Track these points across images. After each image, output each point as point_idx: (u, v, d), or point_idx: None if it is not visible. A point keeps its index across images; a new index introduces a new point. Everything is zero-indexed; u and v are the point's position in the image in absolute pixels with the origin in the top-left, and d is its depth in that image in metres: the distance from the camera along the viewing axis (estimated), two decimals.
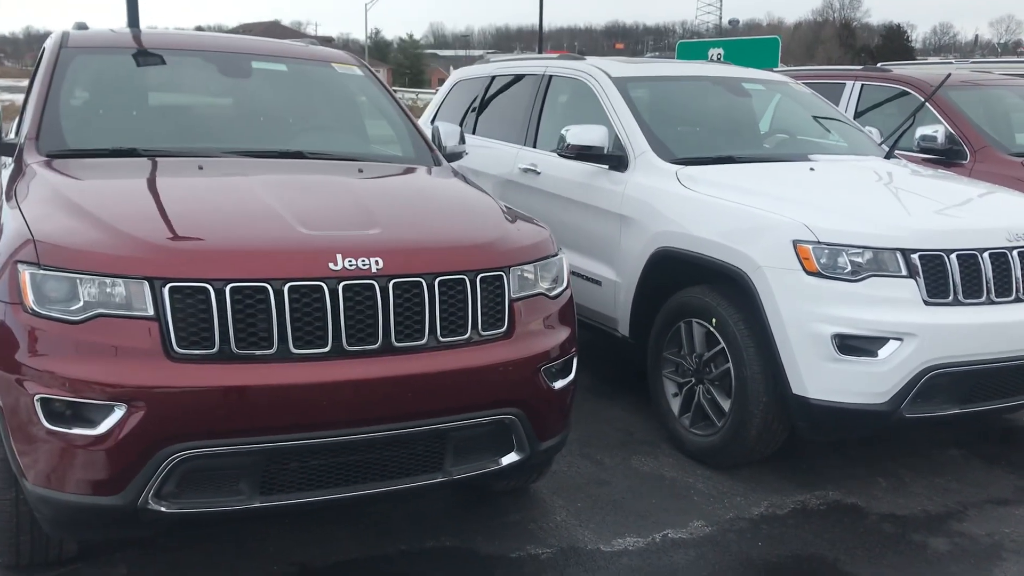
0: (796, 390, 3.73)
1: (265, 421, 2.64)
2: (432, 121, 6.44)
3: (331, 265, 2.74)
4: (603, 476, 4.06)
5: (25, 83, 4.05)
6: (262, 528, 3.43)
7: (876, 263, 3.68)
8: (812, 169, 4.68)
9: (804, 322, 3.68)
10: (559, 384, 3.22)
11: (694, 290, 4.24)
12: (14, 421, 2.62)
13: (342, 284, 2.74)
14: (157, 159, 3.58)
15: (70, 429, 2.56)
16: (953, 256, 3.73)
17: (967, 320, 3.69)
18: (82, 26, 4.50)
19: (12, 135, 3.81)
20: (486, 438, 3.06)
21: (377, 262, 2.80)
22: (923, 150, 6.07)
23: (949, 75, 6.28)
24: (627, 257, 4.63)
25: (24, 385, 2.56)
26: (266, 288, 2.66)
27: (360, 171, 3.80)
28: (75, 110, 3.93)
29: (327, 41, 17.94)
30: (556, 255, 3.38)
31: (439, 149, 4.38)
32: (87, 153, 3.58)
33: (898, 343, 3.60)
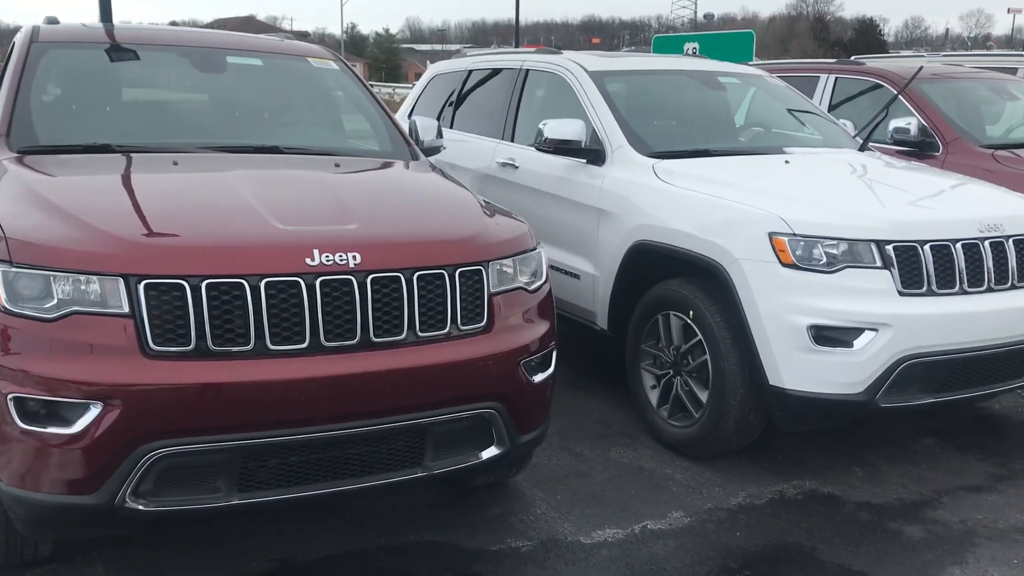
0: (773, 381, 3.76)
1: (243, 418, 2.62)
2: (409, 115, 6.42)
3: (308, 261, 2.73)
4: (583, 468, 4.08)
5: None
6: (241, 525, 3.41)
7: (851, 254, 3.71)
8: (787, 162, 4.71)
9: (780, 313, 3.71)
10: (539, 378, 3.22)
11: (672, 283, 4.26)
12: None
13: (319, 280, 2.73)
14: (131, 155, 3.54)
15: (45, 428, 2.53)
16: (927, 247, 3.77)
17: (941, 310, 3.73)
18: (53, 21, 4.45)
19: None
20: (466, 432, 3.06)
21: (355, 257, 2.79)
22: (896, 142, 6.13)
23: (921, 68, 6.34)
24: (605, 251, 4.64)
25: None
26: (242, 284, 2.64)
27: (337, 166, 3.79)
28: (47, 106, 3.89)
29: (303, 36, 17.82)
30: (535, 249, 3.38)
31: (416, 143, 4.37)
32: (60, 149, 3.54)
33: (873, 333, 3.64)
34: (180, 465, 2.62)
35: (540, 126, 4.84)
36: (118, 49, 4.21)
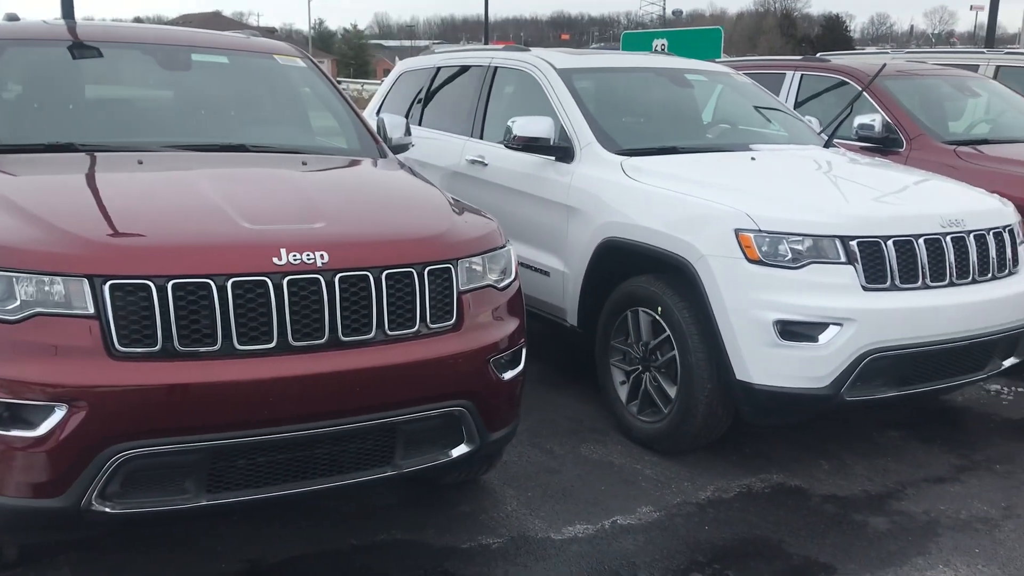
0: (740, 376, 3.80)
1: (210, 419, 2.61)
2: (377, 112, 6.38)
3: (275, 260, 2.71)
4: (553, 465, 4.09)
5: None
6: (211, 526, 3.39)
7: (816, 250, 3.76)
8: (753, 159, 4.76)
9: (746, 309, 3.75)
10: (508, 375, 3.23)
11: (640, 279, 4.29)
12: None
13: (287, 279, 2.71)
14: (95, 154, 3.50)
15: (8, 431, 2.50)
16: (890, 242, 3.82)
17: (904, 304, 3.79)
18: (13, 17, 4.38)
19: None
20: (436, 431, 3.07)
21: (322, 256, 2.78)
22: (861, 139, 6.20)
23: (885, 65, 6.42)
24: (574, 248, 4.66)
25: None
26: (209, 284, 2.62)
27: (304, 164, 3.77)
28: (7, 104, 3.84)
29: (269, 32, 17.68)
30: (504, 247, 3.38)
31: (385, 141, 4.35)
32: (22, 148, 3.49)
33: (838, 328, 3.69)
34: (147, 467, 2.60)
35: (509, 123, 4.84)
36: (81, 46, 4.16)
